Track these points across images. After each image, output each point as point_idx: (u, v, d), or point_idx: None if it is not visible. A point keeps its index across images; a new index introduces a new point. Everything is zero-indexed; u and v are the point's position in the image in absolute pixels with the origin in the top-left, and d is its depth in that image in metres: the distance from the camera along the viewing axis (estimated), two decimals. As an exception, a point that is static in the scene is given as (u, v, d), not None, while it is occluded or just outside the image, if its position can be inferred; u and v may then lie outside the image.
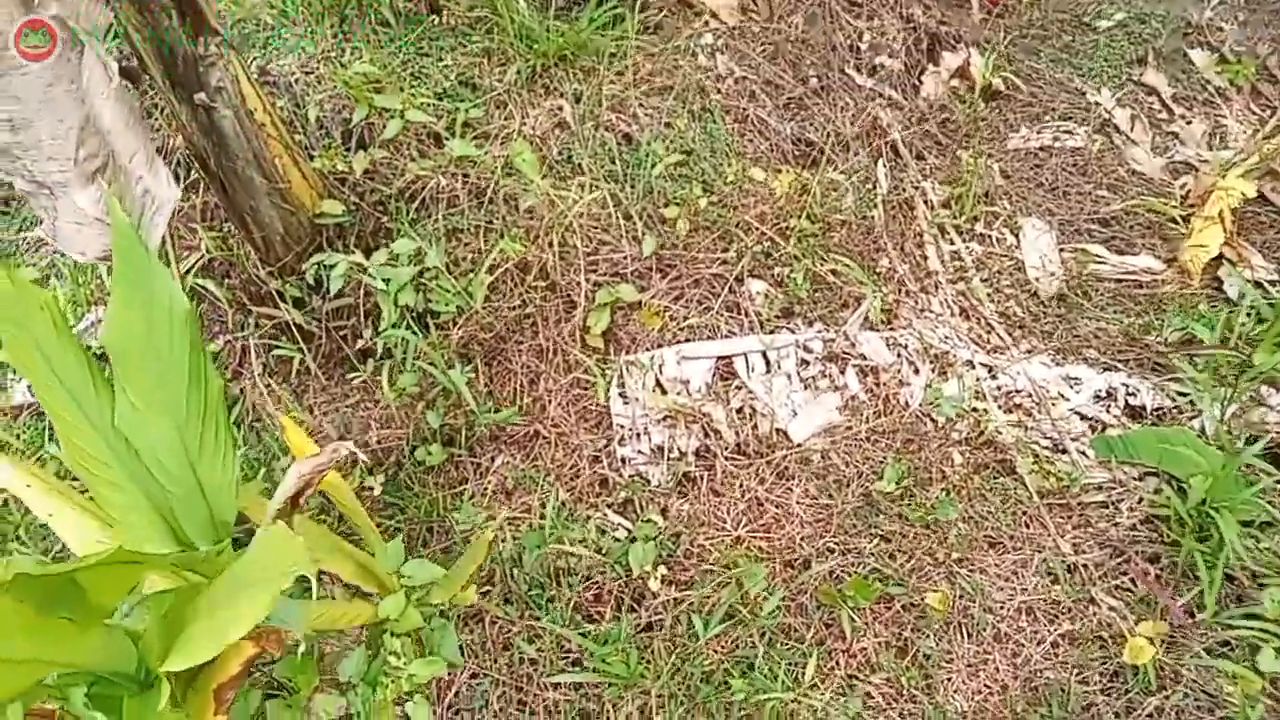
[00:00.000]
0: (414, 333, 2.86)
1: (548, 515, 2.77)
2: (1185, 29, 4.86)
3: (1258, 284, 3.52)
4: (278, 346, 3.08)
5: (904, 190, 3.85)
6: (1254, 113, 4.48)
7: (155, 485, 1.77)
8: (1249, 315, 3.34)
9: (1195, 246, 3.62)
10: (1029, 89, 4.44)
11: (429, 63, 3.63)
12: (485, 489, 2.90)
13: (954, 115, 4.21)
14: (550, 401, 3.03)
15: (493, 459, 2.95)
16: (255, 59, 3.56)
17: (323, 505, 2.82)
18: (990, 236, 3.79)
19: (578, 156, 3.46)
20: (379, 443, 2.92)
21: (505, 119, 3.54)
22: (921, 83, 4.37)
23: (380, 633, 1.94)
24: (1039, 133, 4.27)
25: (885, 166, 3.88)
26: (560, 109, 3.57)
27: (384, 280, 2.79)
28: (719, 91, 3.90)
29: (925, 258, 3.66)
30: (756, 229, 3.40)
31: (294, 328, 3.07)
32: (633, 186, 3.40)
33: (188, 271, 3.11)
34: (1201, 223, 3.68)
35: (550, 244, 3.13)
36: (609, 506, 2.84)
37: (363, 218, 3.22)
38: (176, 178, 2.86)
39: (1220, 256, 3.63)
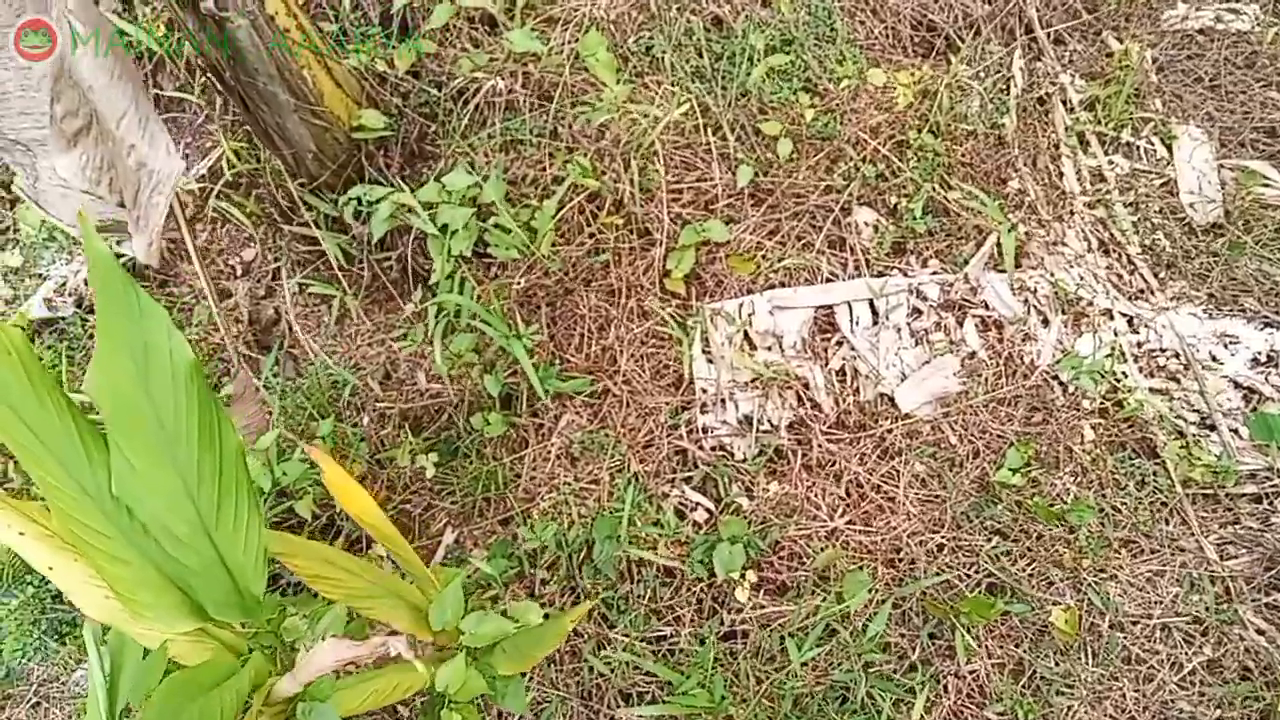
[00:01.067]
0: (469, 285, 2.45)
1: (620, 494, 2.45)
2: None
3: None
4: (312, 277, 2.70)
5: (1040, 87, 3.25)
6: None
7: (166, 557, 1.46)
8: None
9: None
10: (1192, -50, 3.70)
11: (484, -75, 3.03)
12: (549, 453, 2.58)
13: (1103, -17, 3.51)
14: (622, 354, 2.65)
15: (556, 418, 2.61)
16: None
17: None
18: (1138, 148, 3.22)
19: (659, 48, 2.91)
20: (431, 399, 2.58)
21: (577, -6, 2.98)
22: (1064, -57, 3.65)
23: (440, 701, 1.67)
24: (1198, 9, 3.57)
25: (1021, 57, 3.26)
26: (640, -14, 2.99)
27: (436, 224, 2.36)
28: (827, -42, 3.26)
29: (1061, 175, 3.12)
30: (869, 145, 2.87)
31: (333, 254, 2.68)
32: (724, 90, 2.87)
33: (207, 193, 2.69)
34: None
35: (627, 169, 2.65)
36: (687, 483, 2.51)
37: (407, 125, 2.75)
38: (188, 86, 2.41)
39: None
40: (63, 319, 2.97)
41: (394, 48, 2.78)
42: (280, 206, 2.81)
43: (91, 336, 2.92)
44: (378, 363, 2.68)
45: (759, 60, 2.86)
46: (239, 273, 3.04)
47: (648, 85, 2.89)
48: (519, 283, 2.53)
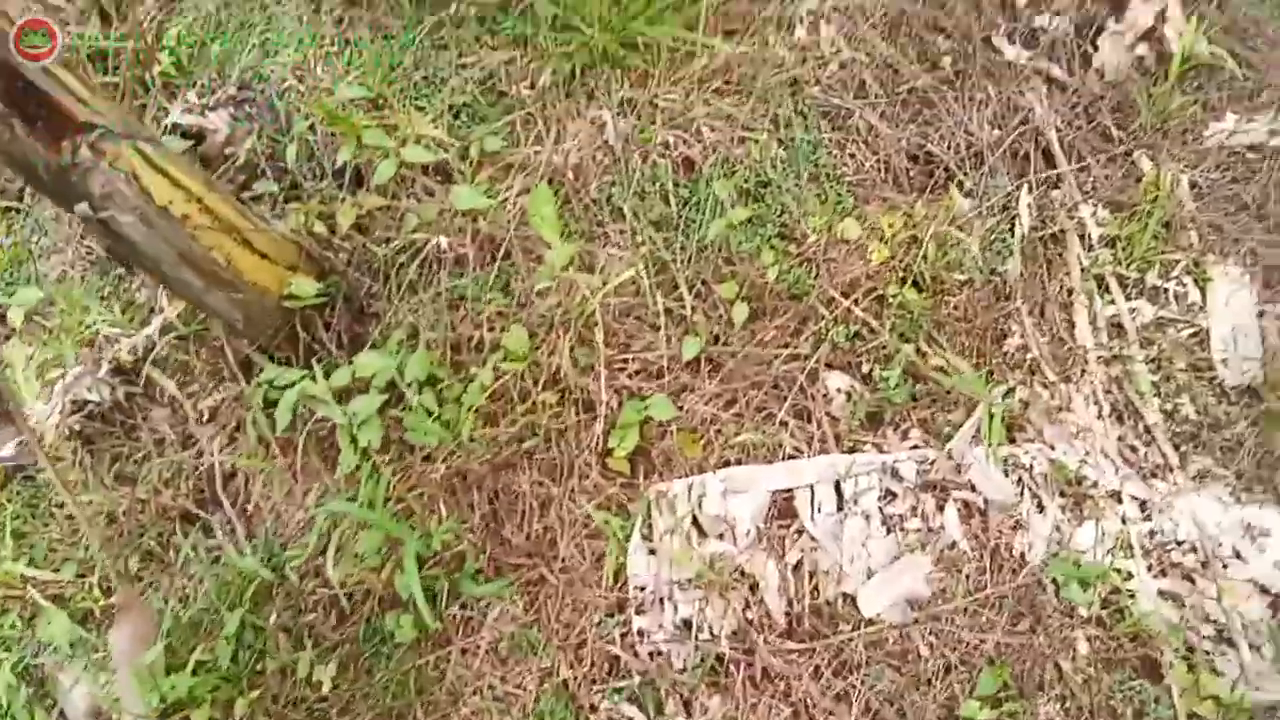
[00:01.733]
0: (383, 477, 2.29)
1: (547, 705, 2.25)
2: None
3: None
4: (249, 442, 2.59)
5: (1054, 220, 2.94)
6: None
7: None
8: None
9: None
10: (1243, 51, 3.33)
11: (445, 62, 2.90)
12: (477, 647, 2.40)
13: (1134, 98, 3.17)
14: (562, 536, 2.46)
15: (486, 610, 2.43)
16: (240, 66, 2.93)
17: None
18: (1166, 291, 2.88)
19: (619, 196, 2.73)
20: (344, 591, 2.43)
21: (533, 141, 2.82)
22: (1096, 48, 3.33)
23: None
24: (1249, 123, 3.20)
25: (1031, 191, 2.96)
26: (603, 124, 2.81)
27: (343, 414, 2.22)
28: (817, 83, 3.03)
29: (1072, 326, 2.80)
30: (843, 304, 2.62)
31: (254, 431, 2.56)
32: (686, 242, 2.66)
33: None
34: None
35: (567, 334, 2.47)
36: (620, 694, 2.29)
37: (351, 284, 2.63)
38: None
39: None
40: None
41: (344, 200, 2.67)
42: (230, 363, 2.72)
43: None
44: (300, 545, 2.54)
45: (726, 210, 2.64)
46: (204, 418, 2.96)
47: (608, 233, 2.71)
48: (440, 469, 2.36)
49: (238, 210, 2.29)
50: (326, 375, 2.28)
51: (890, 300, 2.64)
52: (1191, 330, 2.80)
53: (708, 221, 2.65)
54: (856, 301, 2.64)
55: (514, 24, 2.90)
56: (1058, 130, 3.10)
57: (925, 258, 2.65)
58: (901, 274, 2.69)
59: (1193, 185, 3.06)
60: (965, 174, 2.95)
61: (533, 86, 2.86)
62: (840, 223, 2.66)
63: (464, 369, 2.48)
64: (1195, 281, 2.87)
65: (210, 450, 2.76)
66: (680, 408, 2.49)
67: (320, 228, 2.55)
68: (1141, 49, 3.29)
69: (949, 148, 2.97)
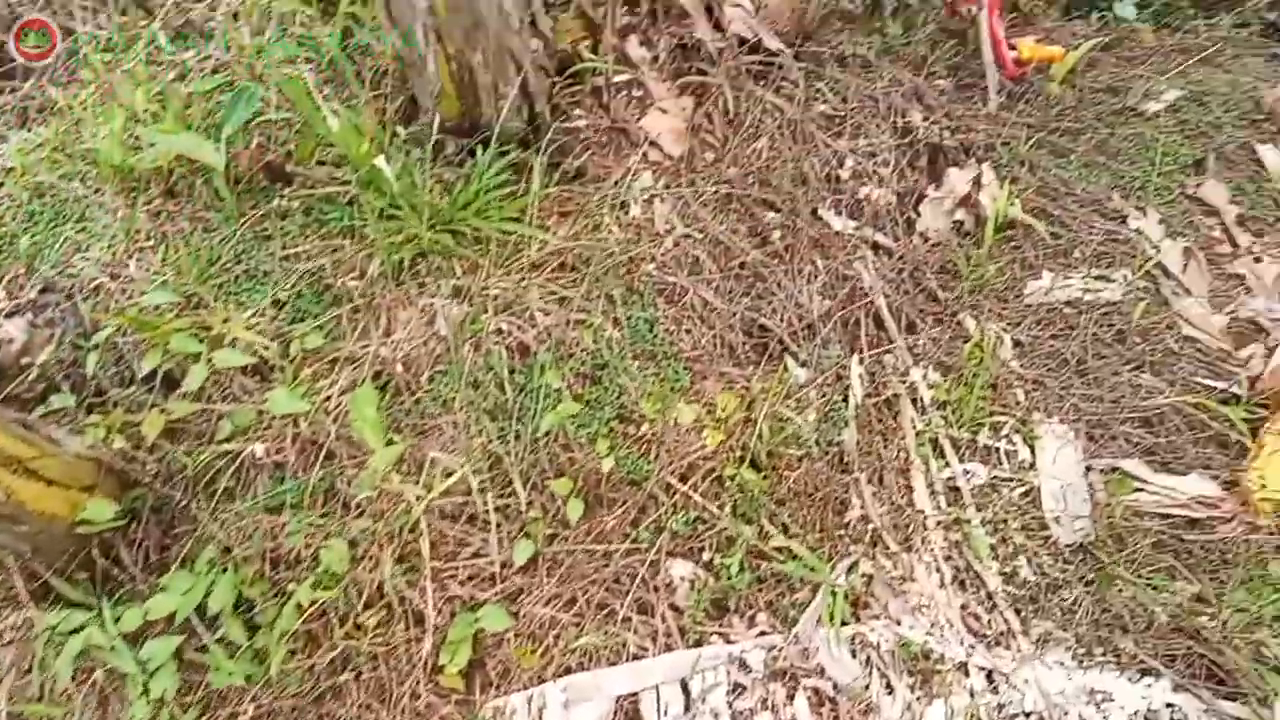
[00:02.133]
0: None
1: None
2: (1254, 114, 3.92)
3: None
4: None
5: (887, 385, 3.00)
6: (1343, 242, 3.54)
7: None
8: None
9: (1258, 475, 2.75)
10: (1055, 211, 3.55)
11: (268, 255, 2.83)
12: None
13: (957, 260, 3.32)
14: (395, 764, 2.28)
15: None
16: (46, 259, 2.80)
17: None
18: (997, 451, 2.94)
19: (451, 388, 2.66)
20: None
21: (361, 334, 2.74)
22: (918, 214, 3.49)
23: None
24: (1065, 279, 3.38)
25: (863, 360, 3.03)
26: (433, 313, 2.76)
27: (134, 662, 2.04)
28: (653, 260, 3.07)
29: (911, 490, 2.83)
30: (680, 489, 2.59)
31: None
32: (522, 428, 2.60)
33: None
34: (1272, 440, 2.81)
35: (391, 549, 2.35)
36: None
37: (158, 499, 2.46)
38: None
39: (1299, 490, 2.77)
40: None
41: (152, 407, 2.52)
42: (21, 591, 2.48)
43: None
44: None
45: (562, 397, 2.60)
46: (5, 640, 2.69)
47: (441, 426, 2.62)
48: (249, 709, 2.17)
49: (20, 437, 2.13)
50: (117, 619, 2.09)
51: (729, 481, 2.62)
52: (1024, 489, 2.86)
53: (543, 410, 2.60)
54: (695, 486, 2.61)
55: (341, 215, 2.86)
56: (886, 296, 3.20)
57: (761, 437, 2.65)
58: (739, 454, 2.68)
59: (1016, 343, 3.19)
60: (799, 345, 3.00)
61: (361, 277, 2.80)
62: (676, 406, 2.64)
63: (281, 587, 2.32)
64: (1024, 439, 2.95)
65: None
66: (516, 613, 2.38)
67: (123, 442, 2.39)
68: (960, 214, 3.47)
69: (782, 320, 3.02)
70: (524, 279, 2.86)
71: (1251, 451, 2.83)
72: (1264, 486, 2.71)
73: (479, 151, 2.88)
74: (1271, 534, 2.72)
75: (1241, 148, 3.80)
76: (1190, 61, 4.19)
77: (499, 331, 2.76)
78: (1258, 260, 3.43)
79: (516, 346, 2.77)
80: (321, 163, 3.00)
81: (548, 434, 2.57)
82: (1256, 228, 3.55)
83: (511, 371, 2.71)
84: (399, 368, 2.67)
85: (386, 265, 2.78)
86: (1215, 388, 3.04)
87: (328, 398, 2.56)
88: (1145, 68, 4.16)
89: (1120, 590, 2.63)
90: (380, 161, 2.67)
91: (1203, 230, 3.52)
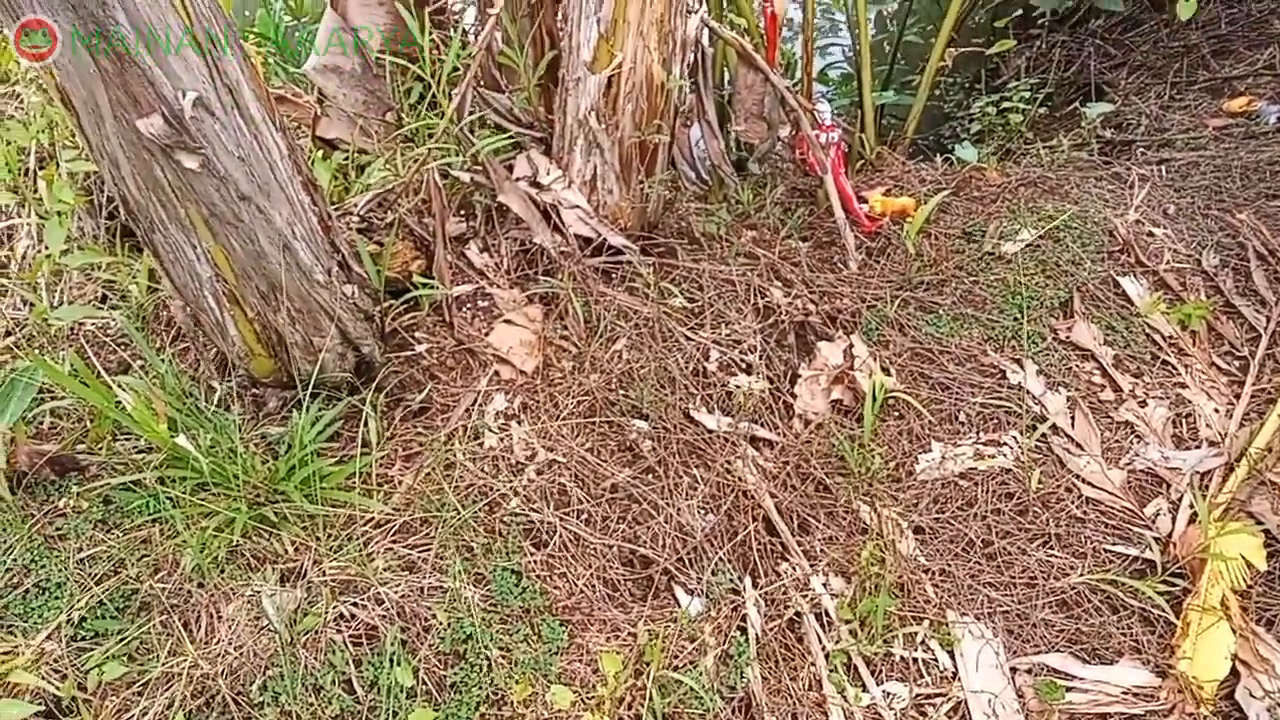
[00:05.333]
0: None
1: None
2: (1109, 245, 3.91)
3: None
4: None
5: (788, 603, 2.72)
6: (1220, 372, 3.49)
7: None
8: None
9: (1188, 659, 2.55)
10: (934, 373, 3.41)
11: (62, 559, 2.42)
12: None
13: (842, 447, 3.11)
14: None
15: None
16: None
17: None
18: (916, 663, 2.67)
19: (286, 697, 2.27)
20: None
21: (175, 647, 2.34)
22: (795, 396, 3.30)
23: None
24: (955, 448, 3.21)
25: (757, 581, 2.75)
26: (260, 607, 2.38)
27: None
28: (515, 493, 2.77)
29: (830, 728, 2.52)
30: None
31: None
32: (371, 739, 2.22)
33: None
34: (1197, 616, 2.62)
35: None
36: None
37: None
38: None
39: (1233, 668, 2.57)
40: None
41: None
42: None
43: None
44: None
45: (416, 694, 2.24)
46: None
47: (278, 748, 2.21)
48: None
49: None
50: None
51: (621, 767, 2.27)
52: (951, 705, 2.59)
53: (397, 710, 2.22)
54: (583, 779, 2.25)
55: (145, 503, 2.48)
56: (773, 496, 2.96)
57: (652, 706, 2.32)
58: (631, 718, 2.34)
59: (917, 530, 2.97)
60: (686, 571, 2.71)
61: (173, 573, 2.41)
62: (550, 690, 2.30)
63: None
64: (940, 644, 2.70)
65: None
66: None
67: None
68: (837, 391, 3.29)
69: (664, 547, 2.74)
70: (366, 547, 2.51)
71: (1178, 630, 2.63)
72: (1197, 669, 2.50)
73: (306, 405, 2.56)
74: (1214, 713, 2.50)
75: (1104, 282, 3.77)
76: (1038, 194, 4.22)
77: (340, 618, 2.40)
78: (1143, 404, 3.34)
79: (364, 632, 2.41)
80: (126, 436, 2.64)
81: (402, 742, 2.20)
82: (1135, 368, 3.47)
83: (358, 664, 2.34)
84: (222, 682, 2.27)
85: (203, 555, 2.40)
86: (1127, 555, 2.86)
87: (140, 730, 2.14)
88: (996, 206, 4.17)
89: (1070, 816, 2.35)
90: (183, 440, 2.33)
91: (1082, 377, 3.42)
